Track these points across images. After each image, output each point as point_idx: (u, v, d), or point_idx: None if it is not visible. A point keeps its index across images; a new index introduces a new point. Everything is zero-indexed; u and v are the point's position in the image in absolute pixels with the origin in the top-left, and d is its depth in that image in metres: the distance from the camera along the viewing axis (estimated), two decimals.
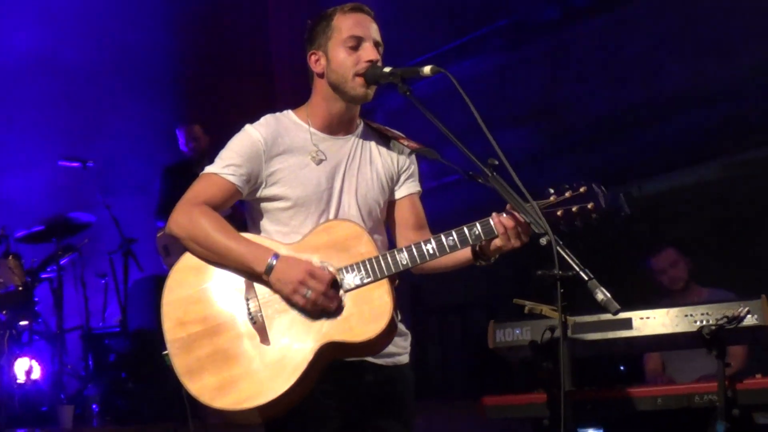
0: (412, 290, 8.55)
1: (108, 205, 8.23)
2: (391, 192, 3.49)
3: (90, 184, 8.33)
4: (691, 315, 4.48)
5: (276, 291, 3.13)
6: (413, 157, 3.53)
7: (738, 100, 7.06)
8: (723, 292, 5.95)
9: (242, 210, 3.56)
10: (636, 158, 7.58)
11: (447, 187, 7.60)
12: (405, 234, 3.48)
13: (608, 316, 4.45)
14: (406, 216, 3.50)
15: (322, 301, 3.08)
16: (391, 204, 3.51)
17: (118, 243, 8.34)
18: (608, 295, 2.79)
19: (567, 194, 3.11)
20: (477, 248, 3.25)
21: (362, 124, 3.49)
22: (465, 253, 3.29)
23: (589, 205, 3.08)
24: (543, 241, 2.88)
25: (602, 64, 7.91)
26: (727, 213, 7.17)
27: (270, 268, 3.11)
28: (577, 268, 2.82)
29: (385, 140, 3.51)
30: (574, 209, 3.09)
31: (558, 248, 2.84)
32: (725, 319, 4.36)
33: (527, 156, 7.96)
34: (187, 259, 3.25)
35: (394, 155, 3.49)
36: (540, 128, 8.36)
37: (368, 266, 3.14)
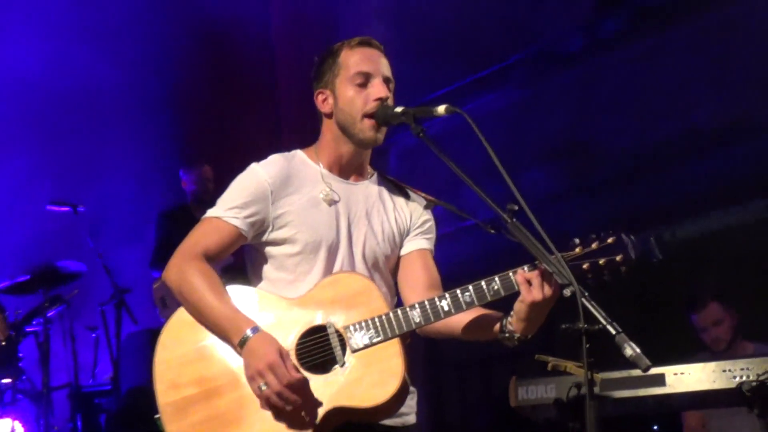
0: (429, 341, 8.53)
1: (100, 252, 8.23)
2: (402, 246, 3.50)
3: (81, 231, 8.32)
4: (730, 370, 4.48)
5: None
6: (430, 213, 3.55)
7: None
8: None
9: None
10: (669, 199, 7.54)
11: (464, 232, 7.61)
12: (416, 292, 3.44)
13: (639, 372, 4.44)
14: (418, 273, 3.49)
15: (275, 400, 3.05)
16: (400, 259, 3.51)
17: (110, 294, 8.33)
18: (638, 350, 2.79)
19: (594, 245, 3.11)
20: (503, 323, 3.23)
21: (376, 173, 3.53)
22: (487, 326, 3.29)
23: (618, 257, 3.08)
24: (567, 292, 2.89)
25: (632, 97, 7.91)
26: None
27: (244, 342, 3.11)
28: (604, 321, 2.82)
29: (399, 191, 3.54)
30: (601, 262, 3.08)
31: (583, 300, 2.84)
32: (767, 375, 4.37)
33: (550, 196, 7.97)
34: (183, 314, 3.27)
35: (409, 208, 3.52)
36: (565, 167, 8.36)
37: (378, 324, 3.14)
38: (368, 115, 3.34)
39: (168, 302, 7.67)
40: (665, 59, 7.75)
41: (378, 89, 3.35)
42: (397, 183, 3.56)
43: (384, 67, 3.42)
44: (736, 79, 7.34)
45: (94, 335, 8.60)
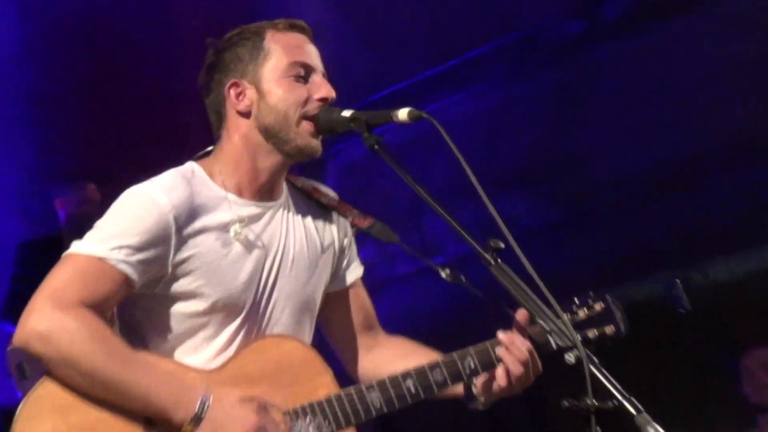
0: (381, 419, 8.49)
1: None
2: (331, 278, 3.49)
3: None
4: None
5: None
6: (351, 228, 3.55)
7: None
8: None
9: None
10: (697, 231, 7.52)
11: (425, 274, 7.58)
12: (350, 338, 3.54)
13: None
14: (351, 313, 3.55)
15: None
16: (328, 295, 3.50)
17: None
18: None
19: (581, 313, 3.30)
20: (468, 386, 3.31)
21: (285, 185, 3.45)
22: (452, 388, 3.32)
23: (608, 330, 3.29)
24: (570, 358, 2.87)
25: (641, 100, 7.93)
26: None
27: (198, 418, 2.98)
28: (621, 397, 2.78)
29: (319, 207, 3.50)
30: (590, 335, 3.29)
31: (593, 368, 2.81)
32: None
33: (532, 228, 7.96)
34: (47, 388, 3.23)
35: (334, 230, 3.51)
36: (551, 189, 8.37)
37: (328, 410, 3.12)
38: (308, 118, 3.25)
39: (28, 371, 7.51)
40: (687, 52, 7.71)
41: (322, 87, 3.31)
42: (310, 192, 3.52)
43: (318, 58, 3.39)
44: None
45: None
